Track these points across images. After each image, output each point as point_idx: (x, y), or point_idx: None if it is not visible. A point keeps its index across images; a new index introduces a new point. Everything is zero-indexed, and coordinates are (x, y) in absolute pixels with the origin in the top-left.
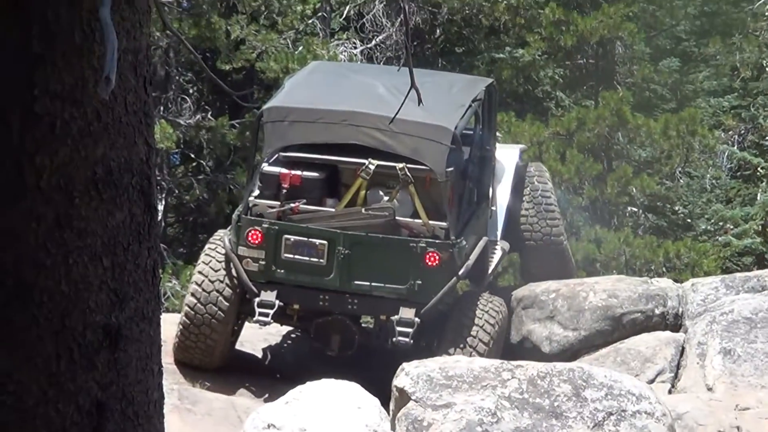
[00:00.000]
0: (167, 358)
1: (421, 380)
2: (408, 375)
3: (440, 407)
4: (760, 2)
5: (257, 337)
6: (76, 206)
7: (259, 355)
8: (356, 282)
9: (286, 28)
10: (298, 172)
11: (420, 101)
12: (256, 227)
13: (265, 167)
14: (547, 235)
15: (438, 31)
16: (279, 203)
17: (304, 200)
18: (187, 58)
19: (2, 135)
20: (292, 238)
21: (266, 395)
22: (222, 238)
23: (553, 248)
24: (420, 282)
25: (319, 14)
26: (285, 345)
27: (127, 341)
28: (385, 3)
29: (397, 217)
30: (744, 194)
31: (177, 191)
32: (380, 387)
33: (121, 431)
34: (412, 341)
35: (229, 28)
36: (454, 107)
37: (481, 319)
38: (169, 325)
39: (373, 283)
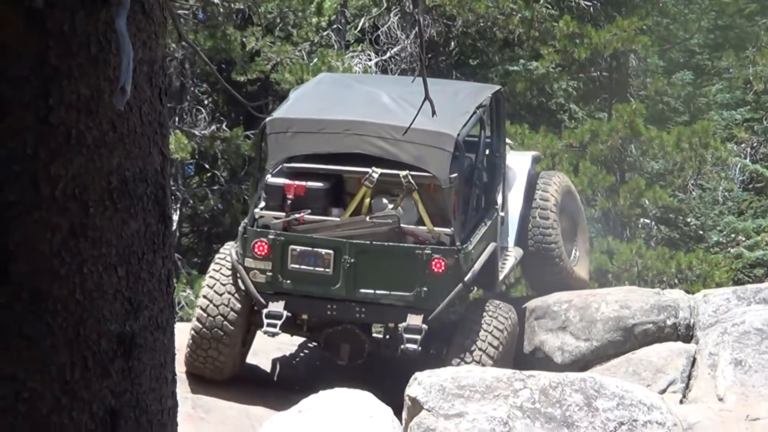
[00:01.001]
0: (181, 367)
1: (433, 390)
2: (420, 384)
3: (452, 417)
4: None
5: (271, 347)
6: (91, 216)
7: (273, 364)
8: (363, 290)
9: (301, 40)
10: (303, 183)
11: (434, 113)
12: (262, 239)
13: (269, 179)
14: (539, 242)
15: (452, 43)
16: (284, 214)
17: (309, 210)
18: (202, 69)
19: (17, 145)
20: (298, 248)
21: (280, 404)
22: (228, 252)
23: (546, 255)
24: (426, 289)
25: (334, 26)
26: (299, 355)
27: (141, 350)
28: (399, 15)
29: (401, 225)
30: (756, 206)
31: (191, 201)
32: (393, 396)
33: None
34: (420, 348)
35: (244, 39)
36: (457, 114)
37: (489, 325)
38: (183, 334)
39: (379, 291)
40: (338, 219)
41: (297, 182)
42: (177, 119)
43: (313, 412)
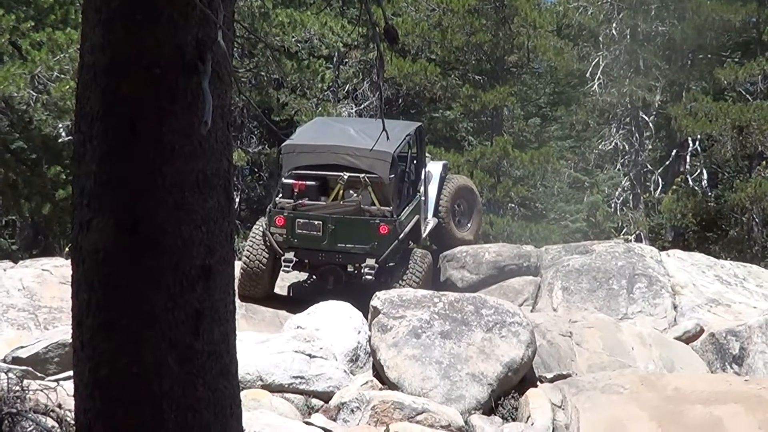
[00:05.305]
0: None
1: (387, 302)
2: (379, 299)
3: (397, 318)
4: (588, 86)
5: (288, 278)
6: (186, 196)
7: (289, 289)
8: (339, 244)
9: (312, 96)
10: (303, 182)
11: (388, 137)
12: (281, 215)
13: (284, 180)
14: (439, 216)
15: (400, 100)
16: (293, 201)
17: (307, 198)
18: (253, 112)
19: (143, 155)
20: (301, 220)
21: (295, 310)
22: (261, 223)
23: (441, 223)
24: (377, 243)
25: (331, 88)
26: (305, 283)
27: (215, 276)
28: (369, 83)
29: (362, 206)
30: (576, 197)
31: (246, 190)
32: (361, 306)
33: (210, 329)
34: (374, 278)
35: (278, 95)
36: (394, 140)
37: (414, 264)
38: (238, 269)
39: (349, 245)
40: (324, 203)
41: (300, 182)
42: (238, 141)
43: (316, 314)
